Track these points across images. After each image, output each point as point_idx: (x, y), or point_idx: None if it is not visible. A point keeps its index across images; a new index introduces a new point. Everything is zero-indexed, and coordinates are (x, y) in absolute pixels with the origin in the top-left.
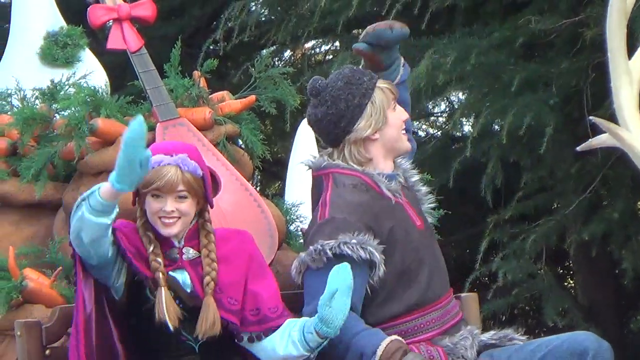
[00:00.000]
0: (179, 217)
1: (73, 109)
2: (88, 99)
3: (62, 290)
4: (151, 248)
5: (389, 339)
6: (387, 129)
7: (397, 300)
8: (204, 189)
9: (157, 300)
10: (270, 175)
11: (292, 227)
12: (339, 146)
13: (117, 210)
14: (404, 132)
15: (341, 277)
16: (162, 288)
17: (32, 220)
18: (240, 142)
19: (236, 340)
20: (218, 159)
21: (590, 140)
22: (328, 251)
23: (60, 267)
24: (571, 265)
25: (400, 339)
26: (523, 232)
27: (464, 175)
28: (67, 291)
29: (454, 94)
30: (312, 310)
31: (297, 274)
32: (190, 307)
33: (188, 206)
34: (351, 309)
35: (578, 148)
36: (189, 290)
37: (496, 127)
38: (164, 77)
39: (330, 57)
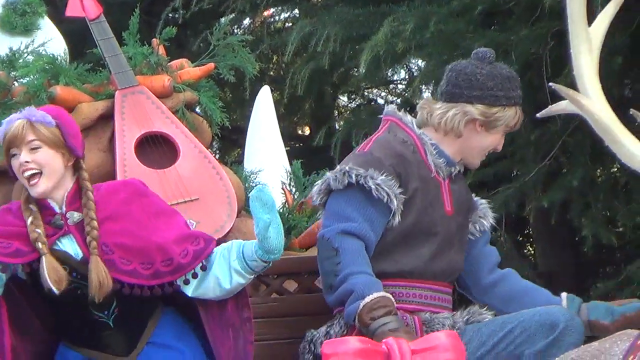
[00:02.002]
0: (40, 172)
1: (32, 76)
2: (47, 67)
3: None
4: (29, 220)
5: (382, 293)
6: (482, 139)
7: (392, 261)
8: (64, 139)
9: (40, 270)
10: (229, 142)
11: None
12: (450, 102)
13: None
14: (484, 157)
15: (266, 203)
16: (44, 256)
17: None
18: (199, 109)
19: (178, 290)
20: (177, 126)
21: (550, 107)
22: (353, 176)
23: None
24: (531, 232)
25: (392, 300)
26: (482, 199)
27: None
28: None
29: (413, 61)
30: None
31: (317, 194)
32: (86, 278)
33: (45, 156)
34: (366, 243)
35: (538, 115)
36: (79, 257)
37: None
38: (122, 45)
39: (290, 24)
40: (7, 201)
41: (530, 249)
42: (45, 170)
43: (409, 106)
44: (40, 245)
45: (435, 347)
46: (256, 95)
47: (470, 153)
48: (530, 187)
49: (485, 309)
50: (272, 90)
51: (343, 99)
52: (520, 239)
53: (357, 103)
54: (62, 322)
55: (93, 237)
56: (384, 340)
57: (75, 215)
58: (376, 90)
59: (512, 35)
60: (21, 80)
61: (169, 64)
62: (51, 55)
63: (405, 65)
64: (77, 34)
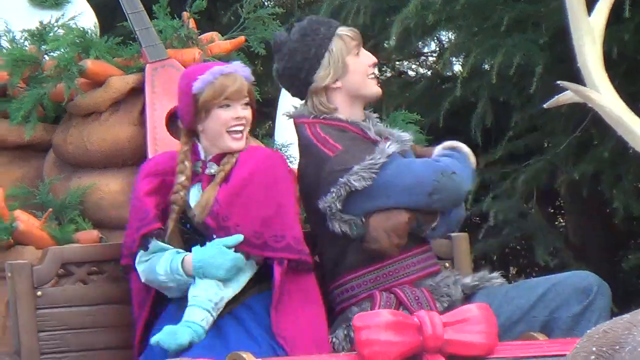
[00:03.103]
0: (243, 129)
1: (62, 50)
2: (77, 40)
3: (53, 231)
4: (181, 179)
5: None
6: (349, 76)
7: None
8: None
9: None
10: (260, 115)
11: None
12: (305, 98)
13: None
14: (372, 76)
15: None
16: (172, 221)
17: (21, 162)
18: None
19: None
20: None
21: (556, 97)
22: (379, 161)
23: (51, 209)
24: (562, 204)
25: None
26: (514, 172)
27: (453, 114)
28: (57, 232)
29: (443, 33)
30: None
31: (335, 200)
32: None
33: (250, 116)
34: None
35: (545, 105)
36: (194, 203)
37: (486, 66)
38: (153, 18)
39: None
40: (38, 175)
41: (561, 221)
42: (246, 130)
43: (440, 78)
44: (175, 208)
45: (467, 319)
46: None
47: (358, 91)
48: (561, 159)
49: (496, 273)
50: None
51: (374, 71)
52: (552, 211)
53: (388, 75)
54: None
55: (223, 170)
56: (415, 313)
57: (214, 167)
58: (406, 62)
59: (542, 6)
60: (51, 53)
61: (199, 37)
62: (81, 29)
63: (435, 38)
64: (107, 8)
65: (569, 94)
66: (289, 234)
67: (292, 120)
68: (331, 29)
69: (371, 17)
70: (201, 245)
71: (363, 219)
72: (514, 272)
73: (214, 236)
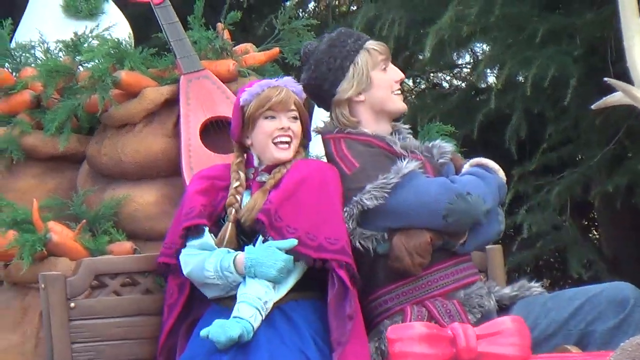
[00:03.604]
0: (291, 141)
1: (97, 61)
2: (112, 51)
3: (86, 242)
4: (235, 184)
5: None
6: (373, 90)
7: None
8: (307, 121)
9: (220, 233)
10: None
11: None
12: (329, 110)
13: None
14: (397, 92)
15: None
16: (229, 223)
17: (55, 173)
18: None
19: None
20: None
21: (604, 98)
22: (392, 181)
23: (85, 220)
24: (595, 217)
25: None
26: (547, 184)
27: (488, 126)
28: (90, 244)
29: (478, 45)
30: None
31: (350, 220)
32: (249, 235)
33: (298, 129)
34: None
35: (592, 106)
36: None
37: (520, 78)
38: (187, 30)
39: (355, 8)
40: (72, 187)
41: (595, 233)
42: (294, 142)
43: (474, 90)
44: (233, 212)
45: (501, 332)
46: None
47: (382, 106)
48: (595, 171)
49: (534, 281)
50: None
51: (408, 83)
52: (585, 223)
53: (422, 87)
54: None
55: (273, 178)
56: (449, 325)
57: (265, 176)
58: (441, 74)
59: (577, 18)
60: (86, 64)
61: (233, 48)
62: (116, 40)
63: (470, 49)
64: (141, 18)
65: (617, 95)
66: (342, 238)
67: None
68: (359, 41)
69: (406, 29)
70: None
71: (386, 235)
72: (548, 285)
73: (266, 237)
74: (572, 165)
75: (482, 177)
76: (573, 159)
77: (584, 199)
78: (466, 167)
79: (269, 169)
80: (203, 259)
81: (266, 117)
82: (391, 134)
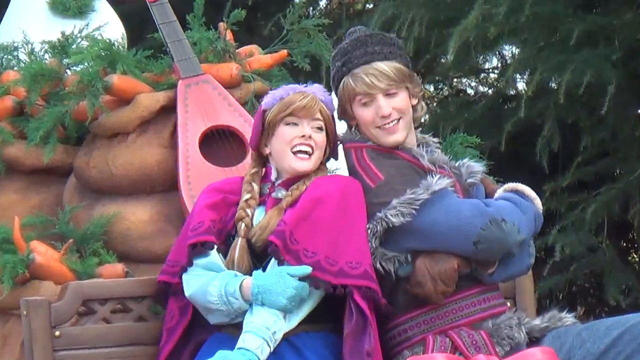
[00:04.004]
0: (312, 152)
1: (86, 64)
2: (103, 53)
3: (73, 265)
4: (245, 197)
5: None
6: (359, 124)
7: None
8: (335, 132)
9: (230, 250)
10: None
11: None
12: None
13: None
14: (387, 125)
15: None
16: (240, 239)
17: (40, 188)
18: None
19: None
20: (246, 119)
21: None
22: (421, 197)
23: (71, 240)
24: (635, 238)
25: None
26: (582, 201)
27: (517, 138)
28: (78, 266)
29: (506, 48)
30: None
31: (374, 238)
32: (260, 257)
33: (322, 140)
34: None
35: None
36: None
37: (553, 85)
38: (186, 29)
39: (371, 6)
40: (58, 202)
41: (635, 256)
42: (316, 154)
43: (502, 98)
44: (243, 226)
45: None
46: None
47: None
48: (634, 187)
49: (565, 312)
50: None
51: (429, 89)
52: (624, 245)
53: (445, 93)
54: None
55: (290, 196)
56: (474, 357)
57: (282, 192)
58: (465, 79)
59: (616, 19)
60: (74, 68)
61: (237, 50)
62: (107, 41)
63: (497, 52)
64: (136, 17)
65: None
66: (365, 261)
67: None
68: (344, 67)
69: (427, 30)
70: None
71: (409, 257)
72: (582, 313)
73: (281, 260)
74: (610, 180)
75: (519, 204)
76: (611, 173)
77: (622, 218)
78: (500, 192)
79: (287, 184)
80: (207, 281)
81: (287, 124)
82: (418, 146)
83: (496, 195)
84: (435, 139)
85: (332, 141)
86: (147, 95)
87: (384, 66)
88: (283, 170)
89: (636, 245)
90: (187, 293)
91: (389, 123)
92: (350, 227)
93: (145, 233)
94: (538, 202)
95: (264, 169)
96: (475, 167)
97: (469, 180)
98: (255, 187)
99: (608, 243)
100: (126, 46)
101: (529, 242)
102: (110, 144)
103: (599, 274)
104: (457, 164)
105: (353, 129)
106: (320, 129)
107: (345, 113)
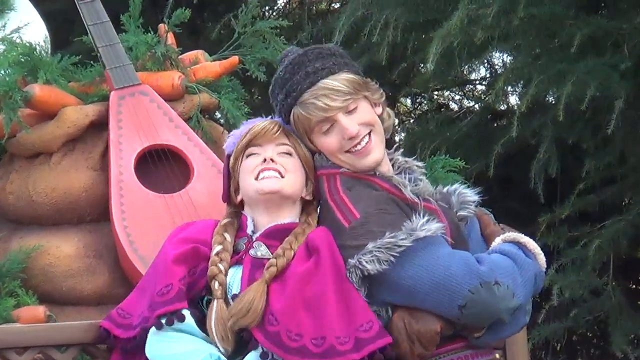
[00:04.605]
0: (281, 176)
1: (2, 71)
2: (22, 59)
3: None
4: (217, 249)
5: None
6: (323, 153)
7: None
8: (315, 166)
9: (207, 315)
10: None
11: None
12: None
13: None
14: (358, 147)
15: None
16: (216, 300)
17: None
18: (219, 116)
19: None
20: (190, 138)
21: None
22: (402, 244)
23: None
24: None
25: None
26: (585, 235)
27: (508, 160)
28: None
29: (496, 55)
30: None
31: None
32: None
33: (293, 165)
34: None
35: None
36: (232, 293)
37: (550, 99)
38: (120, 32)
39: (337, 6)
40: None
41: None
42: (288, 177)
43: (491, 113)
44: (216, 285)
45: None
46: None
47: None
48: None
49: None
50: None
51: (406, 103)
52: (633, 287)
53: (425, 108)
54: None
55: (273, 265)
56: None
57: (262, 249)
58: (448, 92)
59: (625, 22)
60: None
61: (180, 56)
62: (28, 44)
63: (486, 61)
64: (61, 17)
65: None
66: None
67: None
68: (288, 99)
69: (403, 33)
70: None
71: (390, 311)
72: None
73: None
74: (617, 212)
75: (518, 262)
76: (618, 203)
77: (631, 255)
78: (497, 241)
79: (267, 237)
80: (176, 350)
81: (249, 156)
82: (398, 173)
83: (493, 245)
84: (420, 164)
85: (315, 179)
86: (74, 108)
87: (333, 82)
88: (257, 215)
89: None
90: (150, 354)
91: (359, 143)
92: (345, 293)
93: (71, 270)
94: (542, 258)
95: (237, 221)
96: (468, 197)
97: (461, 213)
98: (228, 237)
99: (614, 285)
100: (50, 51)
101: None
102: (30, 165)
103: (603, 321)
104: (446, 190)
105: (321, 154)
106: (288, 154)
107: (306, 146)
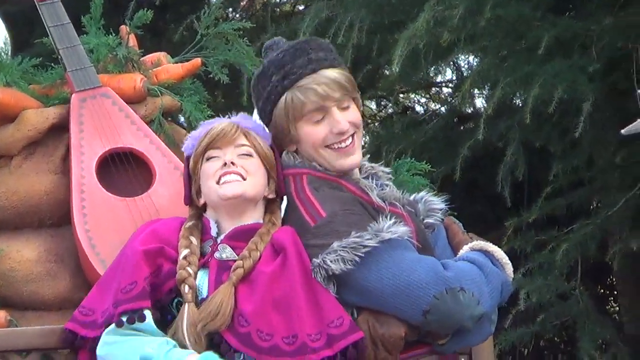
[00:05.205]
0: (243, 179)
1: None
2: None
3: None
4: (184, 253)
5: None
6: (301, 145)
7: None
8: (276, 164)
9: (177, 318)
10: None
11: None
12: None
13: None
14: (340, 145)
15: None
16: (187, 304)
17: None
18: (182, 119)
19: None
20: (152, 141)
21: (639, 120)
22: (367, 244)
23: None
24: (614, 283)
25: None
26: (552, 239)
27: (474, 164)
28: None
29: (462, 57)
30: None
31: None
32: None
33: (254, 166)
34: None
35: (623, 131)
36: (201, 297)
37: (517, 101)
38: (81, 34)
39: (302, 8)
40: None
41: (614, 304)
42: (250, 180)
43: (457, 116)
44: (186, 289)
45: None
46: None
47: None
48: (614, 223)
49: None
50: None
51: (370, 106)
52: (601, 291)
53: (390, 111)
54: None
55: (240, 267)
56: None
57: (227, 251)
58: (414, 94)
59: (593, 24)
60: None
61: (142, 58)
62: None
63: (452, 63)
64: (22, 18)
65: None
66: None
67: None
68: (285, 80)
69: (368, 35)
70: None
71: (355, 313)
72: None
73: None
74: (585, 215)
75: (485, 271)
76: (586, 207)
77: (599, 259)
78: (465, 249)
79: (232, 239)
80: (139, 344)
81: (209, 159)
82: (365, 177)
83: (460, 253)
84: (387, 169)
85: (277, 177)
86: (34, 111)
87: (335, 74)
88: (221, 219)
89: (615, 292)
90: (100, 352)
91: (344, 141)
92: (314, 289)
93: (31, 275)
94: (509, 267)
95: (201, 223)
96: (435, 205)
97: (428, 221)
98: (194, 240)
99: (582, 289)
100: (10, 53)
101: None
102: None
103: (571, 326)
104: (412, 198)
105: (289, 153)
106: (248, 155)
107: (283, 136)
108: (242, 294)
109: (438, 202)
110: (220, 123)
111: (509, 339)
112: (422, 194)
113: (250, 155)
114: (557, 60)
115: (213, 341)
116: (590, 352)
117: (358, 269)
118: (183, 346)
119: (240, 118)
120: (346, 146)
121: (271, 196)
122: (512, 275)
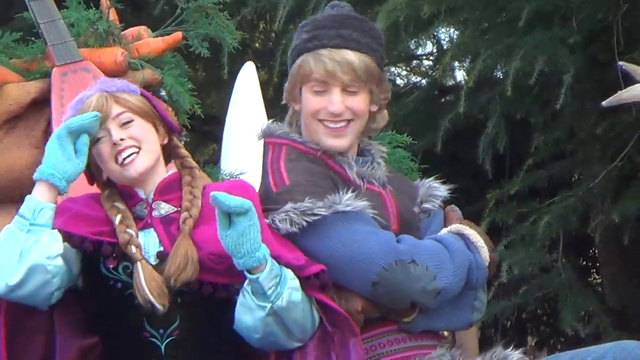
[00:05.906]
0: (138, 149)
1: None
2: None
3: None
4: (118, 219)
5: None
6: (303, 111)
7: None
8: (154, 108)
9: (134, 278)
10: (201, 136)
11: None
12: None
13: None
14: (332, 125)
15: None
16: (139, 262)
17: None
18: (163, 92)
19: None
20: None
21: (620, 92)
22: (318, 212)
23: None
24: (596, 255)
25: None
26: (534, 211)
27: (455, 137)
28: None
29: (443, 30)
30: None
31: None
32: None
33: (140, 130)
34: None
35: (604, 103)
36: (155, 252)
37: (498, 74)
38: (62, 8)
39: None
40: None
41: (596, 276)
42: (145, 146)
43: (438, 89)
44: (134, 249)
45: None
46: (237, 74)
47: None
48: (596, 195)
49: (512, 347)
50: (257, 68)
51: None
52: (584, 263)
53: None
54: (104, 345)
55: (192, 215)
56: None
57: (163, 206)
58: (394, 67)
59: None
60: None
61: (122, 32)
62: None
63: (432, 36)
64: None
65: (636, 89)
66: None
67: (245, 138)
68: (310, 43)
69: None
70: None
71: None
72: (534, 344)
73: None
74: (566, 187)
75: (450, 248)
76: (567, 179)
77: (581, 231)
78: (443, 231)
79: (161, 194)
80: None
81: (97, 140)
82: (359, 153)
83: (431, 234)
84: (384, 148)
85: (161, 118)
86: (15, 85)
87: (354, 58)
88: (137, 184)
89: (597, 264)
90: None
91: (336, 122)
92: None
93: None
94: (484, 251)
95: (116, 191)
96: (437, 191)
97: (425, 205)
98: (121, 206)
99: (564, 261)
100: None
101: (473, 295)
102: None
103: (553, 298)
104: (416, 183)
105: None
106: (130, 121)
107: (291, 93)
108: (198, 238)
109: (441, 190)
110: (91, 100)
111: (491, 312)
112: (428, 180)
113: (132, 120)
114: (538, 32)
115: (184, 291)
116: (573, 324)
117: (311, 237)
118: (147, 302)
119: (102, 84)
120: (336, 128)
121: (165, 140)
122: (487, 259)
